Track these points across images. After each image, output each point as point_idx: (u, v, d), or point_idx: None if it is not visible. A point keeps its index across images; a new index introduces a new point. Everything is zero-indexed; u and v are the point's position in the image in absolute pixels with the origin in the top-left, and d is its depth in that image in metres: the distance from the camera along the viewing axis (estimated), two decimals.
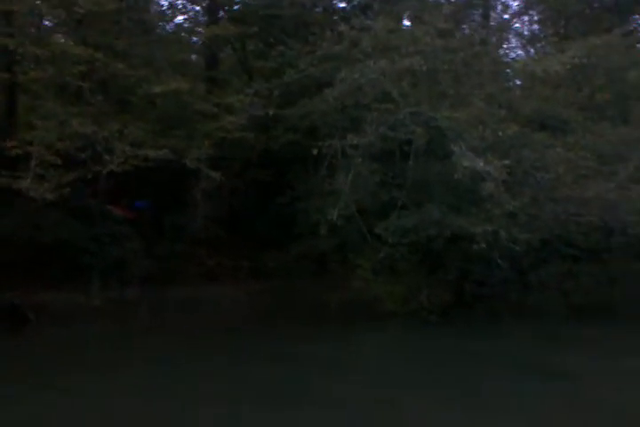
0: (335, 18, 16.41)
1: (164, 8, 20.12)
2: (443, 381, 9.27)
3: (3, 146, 13.36)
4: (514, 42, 21.77)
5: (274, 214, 19.55)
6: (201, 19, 21.08)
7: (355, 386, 9.10)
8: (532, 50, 22.03)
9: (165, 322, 15.95)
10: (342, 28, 12.12)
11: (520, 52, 23.07)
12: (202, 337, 13.45)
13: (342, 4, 18.51)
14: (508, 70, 15.25)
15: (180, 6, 20.55)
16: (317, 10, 16.92)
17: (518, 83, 17.51)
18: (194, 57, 19.38)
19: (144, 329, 15.34)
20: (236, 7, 18.15)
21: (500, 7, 22.38)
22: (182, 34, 18.79)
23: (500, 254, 12.58)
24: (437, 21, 12.06)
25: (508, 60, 16.75)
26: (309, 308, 16.50)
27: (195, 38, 20.67)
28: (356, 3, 16.15)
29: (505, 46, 20.42)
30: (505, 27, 19.05)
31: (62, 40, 15.02)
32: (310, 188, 17.38)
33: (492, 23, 21.21)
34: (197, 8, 20.74)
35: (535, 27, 21.93)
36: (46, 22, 16.84)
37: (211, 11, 17.91)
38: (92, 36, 13.68)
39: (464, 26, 20.93)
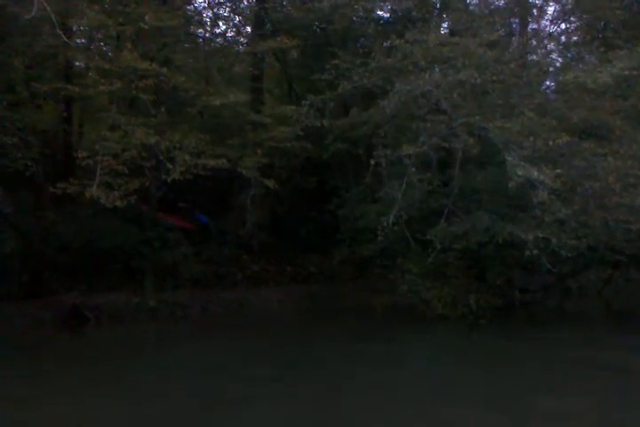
0: (380, 29, 16.83)
1: (209, 19, 20.83)
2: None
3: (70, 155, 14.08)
4: (552, 48, 21.96)
5: (315, 221, 20.12)
6: (243, 29, 21.75)
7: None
8: (569, 54, 22.17)
9: (213, 323, 16.58)
10: (396, 41, 12.55)
11: (555, 57, 23.33)
12: (246, 339, 13.89)
13: (382, 13, 19.03)
14: (551, 82, 15.57)
15: (225, 17, 21.23)
16: (361, 21, 17.31)
17: (552, 90, 17.80)
18: (239, 68, 19.92)
19: (193, 329, 16.00)
20: (277, 19, 18.56)
21: (536, 13, 22.62)
22: (231, 45, 19.32)
23: (543, 260, 12.84)
24: (488, 33, 12.46)
25: (551, 69, 16.98)
26: (355, 310, 16.99)
27: (239, 48, 21.31)
28: (400, 14, 16.56)
29: (542, 52, 20.63)
30: (544, 34, 19.28)
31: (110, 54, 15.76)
32: (354, 195, 17.90)
33: (529, 30, 21.48)
34: (239, 18, 21.38)
35: (573, 32, 21.98)
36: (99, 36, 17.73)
37: (258, 23, 18.46)
38: (151, 50, 14.34)
39: (501, 32, 21.16)
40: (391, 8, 17.01)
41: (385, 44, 13.33)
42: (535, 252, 11.54)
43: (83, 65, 16.60)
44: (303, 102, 13.54)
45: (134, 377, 10.17)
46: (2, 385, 9.45)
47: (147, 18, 12.74)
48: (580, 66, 14.89)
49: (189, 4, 18.73)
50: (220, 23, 21.10)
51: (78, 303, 15.76)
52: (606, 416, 7.91)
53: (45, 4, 12.24)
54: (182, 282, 17.83)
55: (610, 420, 7.80)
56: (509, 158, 10.86)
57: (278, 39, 14.83)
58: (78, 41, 15.04)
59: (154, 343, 14.63)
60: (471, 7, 17.13)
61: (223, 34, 21.29)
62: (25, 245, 16.40)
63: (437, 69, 11.62)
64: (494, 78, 12.44)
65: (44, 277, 16.55)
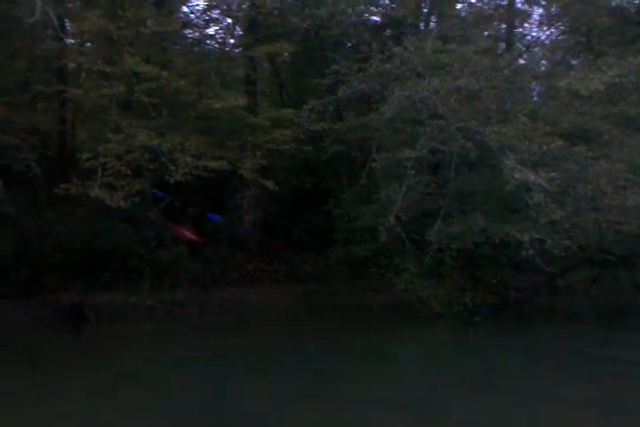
0: (374, 34, 17.09)
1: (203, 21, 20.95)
2: None
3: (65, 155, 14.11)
4: (538, 53, 22.49)
5: (309, 221, 20.42)
6: (235, 31, 21.92)
7: None
8: (554, 59, 22.69)
9: (209, 322, 16.81)
10: (394, 48, 12.89)
11: (542, 61, 23.88)
12: (240, 337, 14.12)
13: (374, 18, 19.35)
14: (539, 86, 16.00)
15: (216, 19, 21.38)
16: (354, 25, 17.56)
17: (537, 94, 18.27)
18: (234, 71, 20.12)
19: (189, 328, 16.23)
20: (274, 23, 18.76)
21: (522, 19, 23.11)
22: (224, 48, 19.51)
23: (537, 261, 13.20)
24: (480, 40, 12.85)
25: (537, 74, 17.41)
26: (352, 309, 17.30)
27: (231, 50, 21.50)
28: (393, 19, 16.83)
29: (530, 57, 21.17)
30: (531, 38, 19.81)
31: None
32: (349, 196, 18.25)
33: (516, 35, 21.99)
34: (230, 20, 21.55)
35: (559, 38, 22.51)
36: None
37: (253, 27, 18.66)
38: (151, 54, 14.53)
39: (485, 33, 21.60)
40: (384, 13, 17.33)
41: (375, 46, 13.62)
42: (530, 252, 11.95)
43: (75, 66, 16.76)
44: (304, 106, 13.85)
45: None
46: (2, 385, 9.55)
47: (148, 23, 12.95)
48: (572, 72, 15.30)
49: (182, 6, 18.92)
50: (212, 25, 21.36)
51: (78, 302, 15.90)
52: None
53: (48, 9, 12.43)
54: (179, 281, 17.99)
55: None
56: (507, 162, 11.25)
57: (277, 44, 15.07)
58: (77, 44, 15.13)
59: (150, 342, 14.74)
60: (463, 13, 17.52)
61: (215, 37, 21.54)
62: (23, 245, 16.51)
63: (436, 76, 11.96)
64: (489, 84, 12.83)
65: (42, 276, 16.67)
